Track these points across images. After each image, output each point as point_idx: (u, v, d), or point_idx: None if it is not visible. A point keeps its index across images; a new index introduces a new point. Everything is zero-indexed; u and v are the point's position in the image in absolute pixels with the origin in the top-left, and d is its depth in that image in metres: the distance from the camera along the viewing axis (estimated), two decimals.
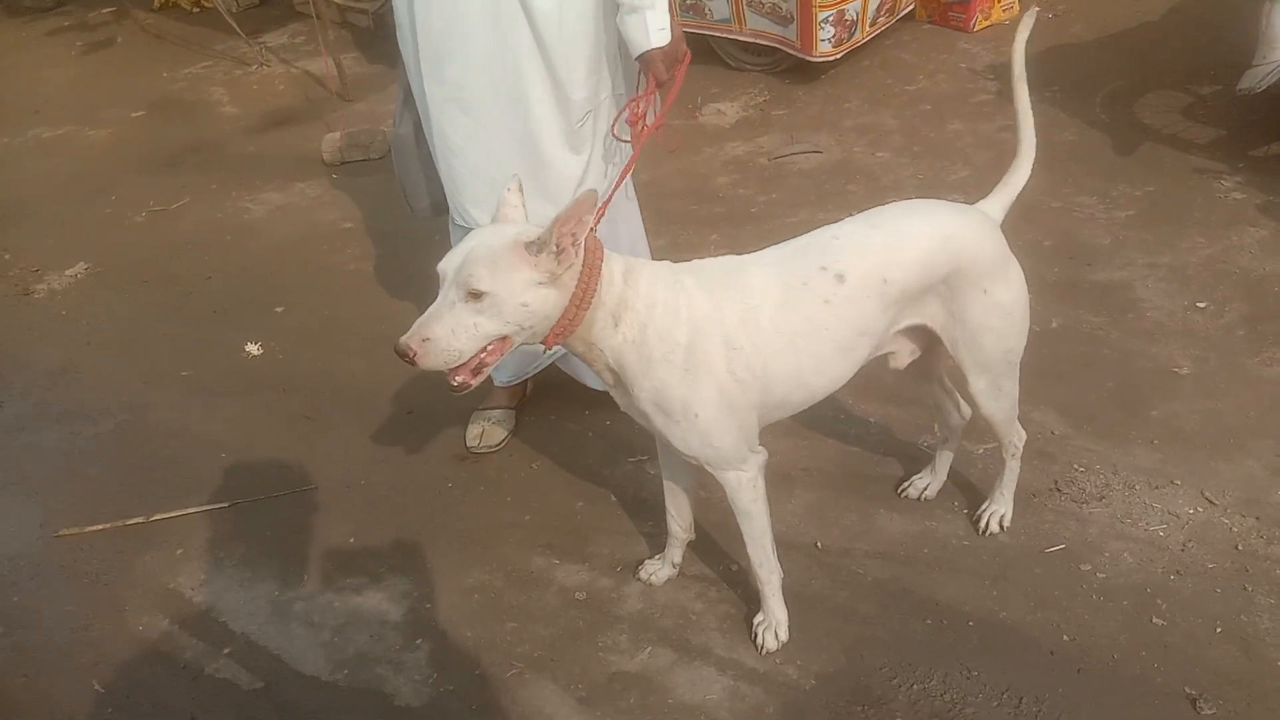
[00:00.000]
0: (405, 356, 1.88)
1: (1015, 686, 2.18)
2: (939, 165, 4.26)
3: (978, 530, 2.56)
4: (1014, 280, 2.21)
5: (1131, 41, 4.85)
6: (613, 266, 1.98)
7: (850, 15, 4.74)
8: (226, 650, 2.50)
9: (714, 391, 2.03)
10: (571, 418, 3.14)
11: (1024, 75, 2.26)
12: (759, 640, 2.33)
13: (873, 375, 2.35)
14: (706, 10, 5.03)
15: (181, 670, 2.46)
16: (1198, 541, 2.45)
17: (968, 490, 2.70)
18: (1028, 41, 2.25)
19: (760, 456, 2.19)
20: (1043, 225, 3.64)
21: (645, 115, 2.47)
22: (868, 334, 2.13)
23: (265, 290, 4.03)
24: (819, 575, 2.51)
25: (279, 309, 3.90)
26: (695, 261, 2.14)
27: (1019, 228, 2.26)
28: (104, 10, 7.60)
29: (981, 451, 2.79)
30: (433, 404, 3.24)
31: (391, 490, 2.96)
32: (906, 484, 2.71)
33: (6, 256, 4.53)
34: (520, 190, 2.03)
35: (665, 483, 2.45)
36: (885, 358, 2.32)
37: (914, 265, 2.11)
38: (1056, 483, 2.67)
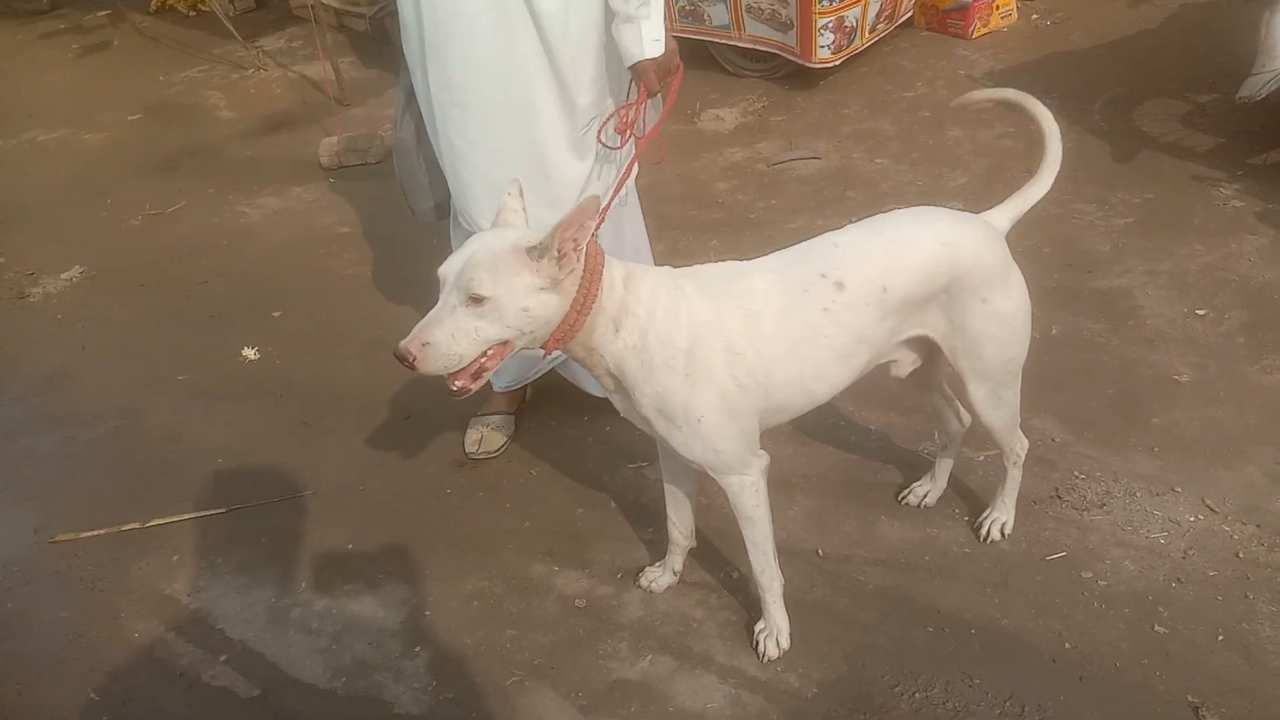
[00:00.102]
0: (405, 361, 1.87)
1: (1018, 694, 2.17)
2: (938, 172, 4.26)
3: (979, 537, 2.55)
4: (1015, 290, 2.21)
5: (1130, 49, 4.86)
6: (614, 272, 1.98)
7: (850, 22, 4.75)
8: (223, 657, 2.49)
9: (716, 396, 2.03)
10: (571, 423, 3.12)
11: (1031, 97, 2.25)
12: (760, 648, 2.32)
13: (873, 382, 2.34)
14: (705, 16, 5.03)
15: (178, 678, 2.45)
16: (1199, 549, 2.44)
17: (968, 497, 2.69)
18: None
19: (762, 461, 2.18)
20: (1042, 232, 3.64)
21: (634, 125, 2.48)
22: (867, 341, 2.13)
23: (262, 295, 4.01)
24: (820, 582, 2.50)
25: (276, 313, 3.88)
26: (696, 267, 2.13)
27: (1019, 234, 2.25)
28: (99, 13, 7.58)
29: (982, 458, 2.78)
30: (431, 409, 3.23)
31: (389, 496, 2.95)
32: (907, 491, 2.71)
33: (1, 260, 4.51)
34: (521, 195, 2.03)
35: (666, 489, 2.44)
36: (886, 365, 2.31)
37: (914, 274, 2.11)
38: (1057, 490, 2.66)
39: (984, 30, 5.25)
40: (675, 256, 3.73)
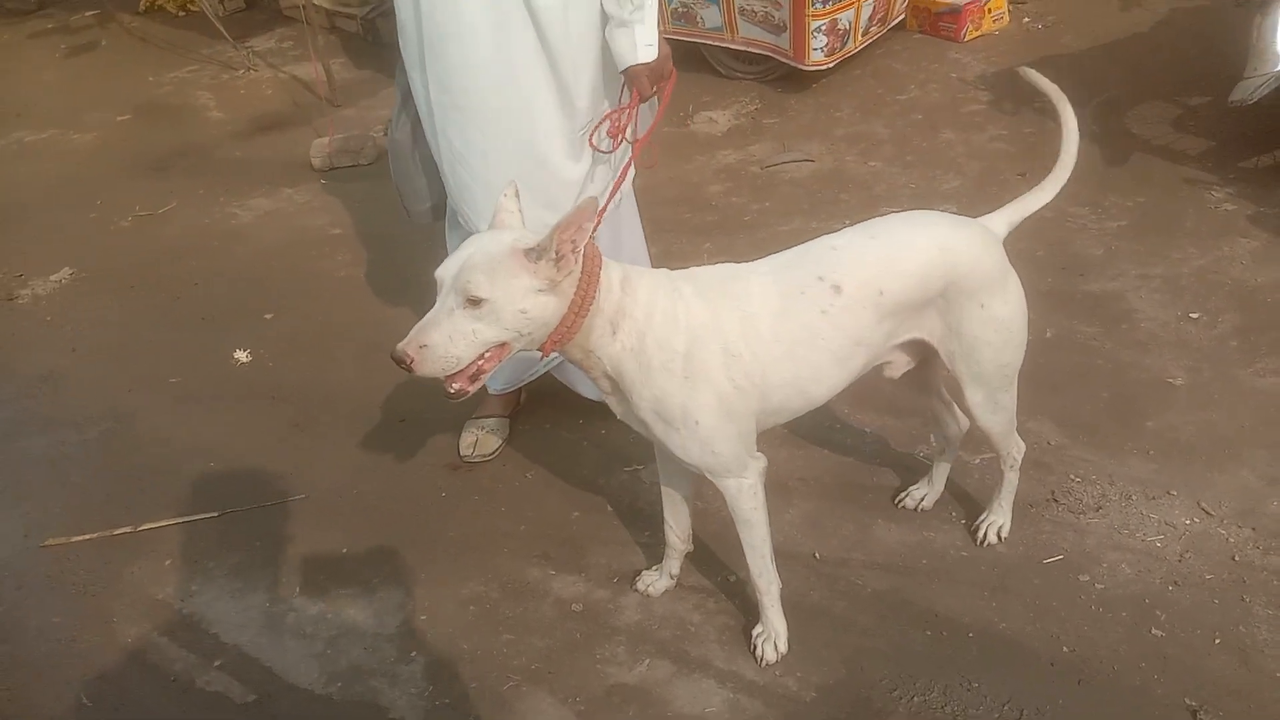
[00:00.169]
0: (402, 363, 1.86)
1: (1016, 698, 2.17)
2: (931, 175, 4.27)
3: (976, 541, 2.55)
4: (1012, 295, 2.21)
5: (1121, 53, 4.88)
6: (611, 274, 1.98)
7: (843, 24, 4.75)
8: (217, 663, 2.46)
9: (713, 399, 2.03)
10: (566, 427, 3.11)
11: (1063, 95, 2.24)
12: (758, 652, 2.32)
13: (869, 385, 2.34)
14: (698, 18, 5.03)
15: (171, 683, 2.42)
16: (1195, 552, 2.45)
17: (965, 500, 2.69)
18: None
19: (760, 463, 2.18)
20: (1035, 235, 3.64)
21: (625, 129, 2.48)
22: (864, 344, 2.13)
23: (254, 297, 3.99)
24: (817, 586, 2.49)
25: (268, 315, 3.86)
26: (693, 269, 2.13)
27: (1012, 237, 2.25)
28: (87, 13, 7.54)
29: (978, 461, 2.78)
30: (425, 412, 3.21)
31: (384, 500, 2.93)
32: (904, 494, 2.71)
33: None
34: (517, 196, 2.02)
35: (663, 492, 2.43)
36: (881, 366, 2.31)
37: (910, 277, 2.11)
38: (1053, 493, 2.67)
39: (976, 33, 5.26)
40: (669, 259, 3.70)
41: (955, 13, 5.18)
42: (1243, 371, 2.98)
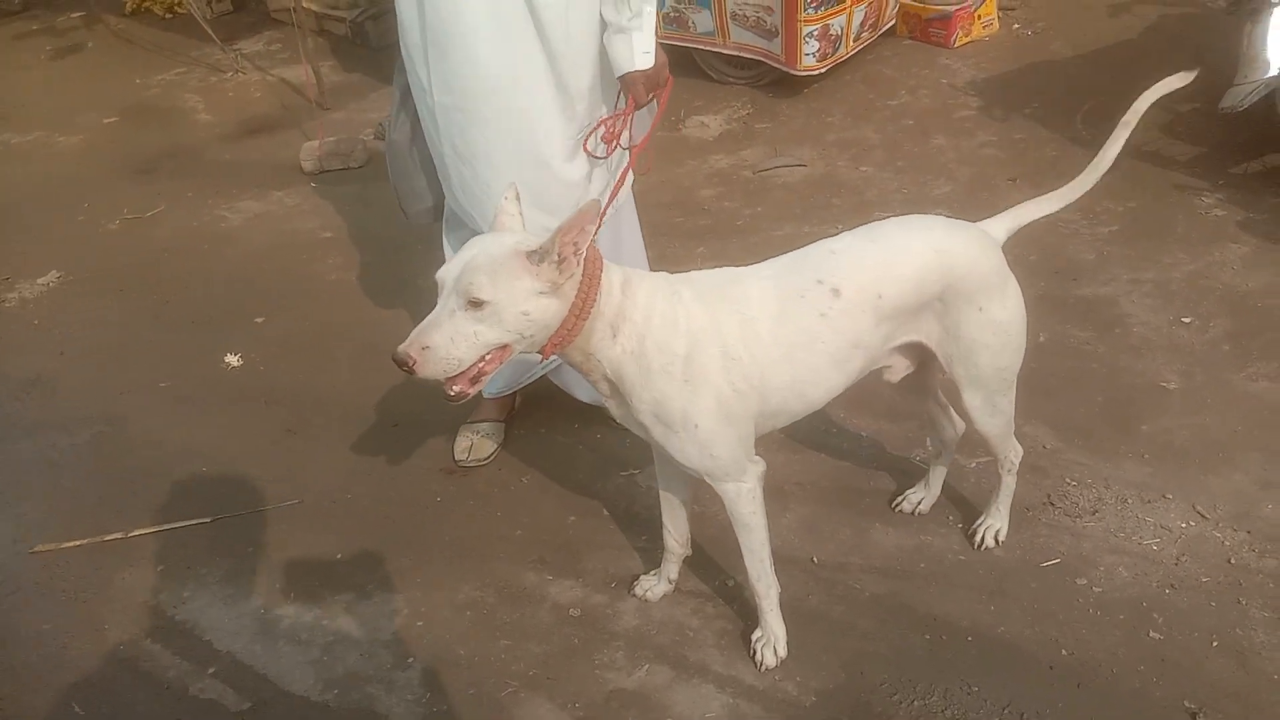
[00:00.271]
0: (404, 365, 1.85)
1: (1016, 702, 2.17)
2: (922, 180, 4.28)
3: (973, 545, 2.56)
4: (1010, 299, 2.22)
5: (1110, 58, 4.90)
6: (611, 277, 1.98)
7: (835, 30, 4.76)
8: (211, 670, 2.44)
9: (713, 402, 2.03)
10: (562, 431, 3.10)
11: (1131, 125, 2.24)
12: (757, 657, 2.31)
13: (865, 389, 2.34)
14: (690, 23, 5.03)
15: (165, 690, 2.40)
16: (1191, 555, 2.46)
17: (961, 504, 2.69)
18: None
19: (759, 467, 2.18)
20: (1028, 240, 3.62)
21: (620, 135, 2.49)
22: (862, 347, 2.14)
23: (245, 300, 3.96)
24: (815, 590, 2.49)
25: (259, 319, 3.84)
26: (692, 273, 2.14)
27: (1006, 242, 2.26)
28: (73, 15, 7.47)
29: (974, 465, 2.79)
30: (419, 416, 3.20)
31: (378, 505, 2.91)
32: (900, 498, 2.71)
33: None
34: (518, 199, 2.02)
35: (662, 496, 2.43)
36: (880, 370, 2.31)
37: (908, 281, 2.12)
38: (1049, 497, 2.67)
39: (966, 39, 5.28)
40: (663, 263, 3.67)
41: (946, 19, 5.20)
42: (1235, 376, 3.00)
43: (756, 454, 2.18)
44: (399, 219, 2.92)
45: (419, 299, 3.74)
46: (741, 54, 5.03)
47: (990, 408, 2.30)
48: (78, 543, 2.84)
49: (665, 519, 2.44)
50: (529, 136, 2.45)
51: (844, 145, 4.62)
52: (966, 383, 2.25)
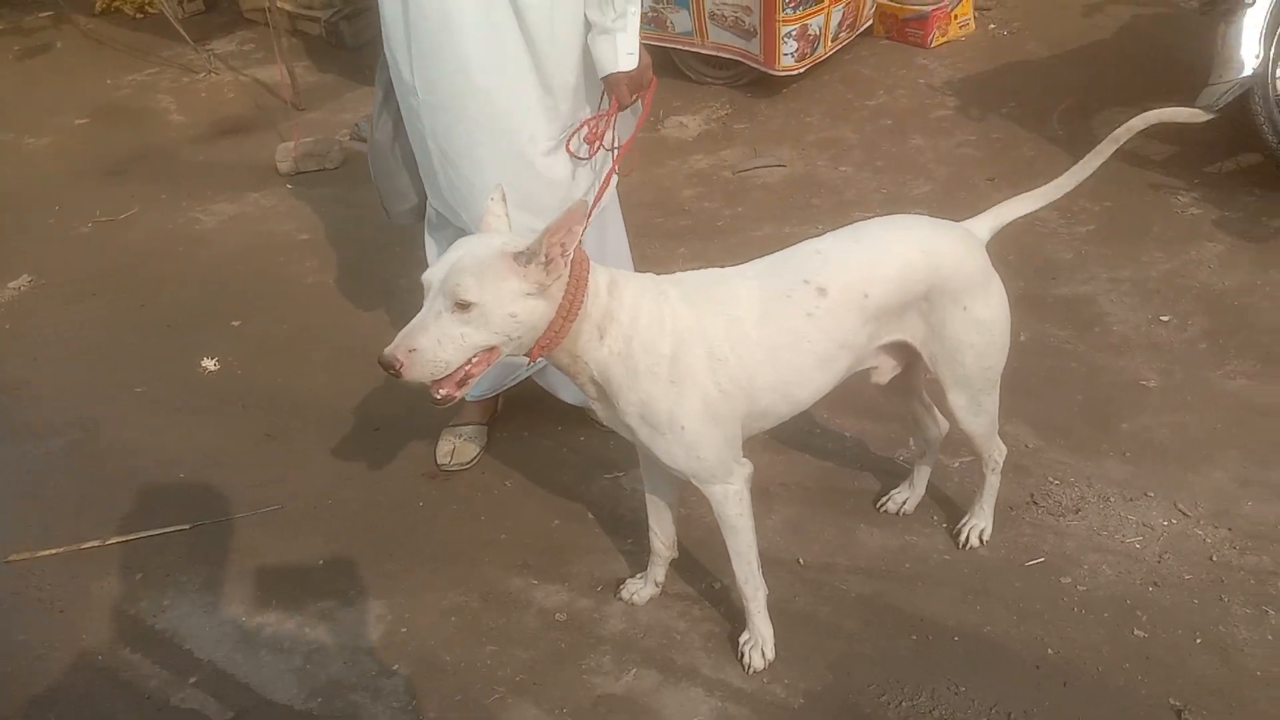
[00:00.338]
0: (390, 368, 1.83)
1: (1003, 701, 2.18)
2: (901, 179, 4.29)
3: (958, 544, 2.56)
4: (995, 298, 2.23)
5: (1085, 59, 4.94)
6: (598, 278, 1.97)
7: (813, 30, 4.77)
8: (192, 679, 2.41)
9: (699, 403, 2.02)
10: (545, 433, 3.09)
11: (1120, 141, 2.26)
12: (745, 659, 2.31)
13: (847, 389, 2.33)
14: (668, 23, 5.02)
15: (145, 700, 2.36)
16: (1173, 553, 2.48)
17: (945, 504, 2.70)
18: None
19: (746, 469, 2.18)
20: (1006, 240, 3.61)
21: (603, 136, 2.48)
22: (848, 347, 2.14)
23: (221, 303, 3.91)
24: (802, 592, 2.49)
25: (236, 322, 3.79)
26: (678, 274, 2.14)
27: (988, 241, 2.27)
28: (40, 14, 7.35)
29: (957, 465, 2.80)
30: (400, 420, 3.17)
31: (360, 510, 2.88)
32: (885, 498, 2.71)
33: None
34: (504, 200, 2.01)
35: (648, 499, 2.42)
36: (867, 372, 2.32)
37: (894, 280, 2.12)
38: (1032, 496, 2.69)
39: (942, 39, 5.30)
40: (644, 264, 3.67)
41: (922, 19, 5.22)
42: (1213, 374, 3.03)
43: (743, 456, 2.17)
44: (380, 219, 2.90)
45: (398, 301, 3.71)
46: (720, 54, 5.03)
47: (975, 407, 2.31)
48: (53, 551, 2.79)
49: (651, 522, 2.43)
50: (513, 136, 2.43)
51: (823, 145, 4.63)
52: (951, 382, 2.26)
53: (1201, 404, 2.92)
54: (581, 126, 2.48)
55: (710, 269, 2.16)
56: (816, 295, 2.07)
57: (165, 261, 4.26)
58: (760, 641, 2.31)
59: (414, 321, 1.85)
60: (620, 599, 2.51)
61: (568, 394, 2.86)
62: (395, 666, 2.40)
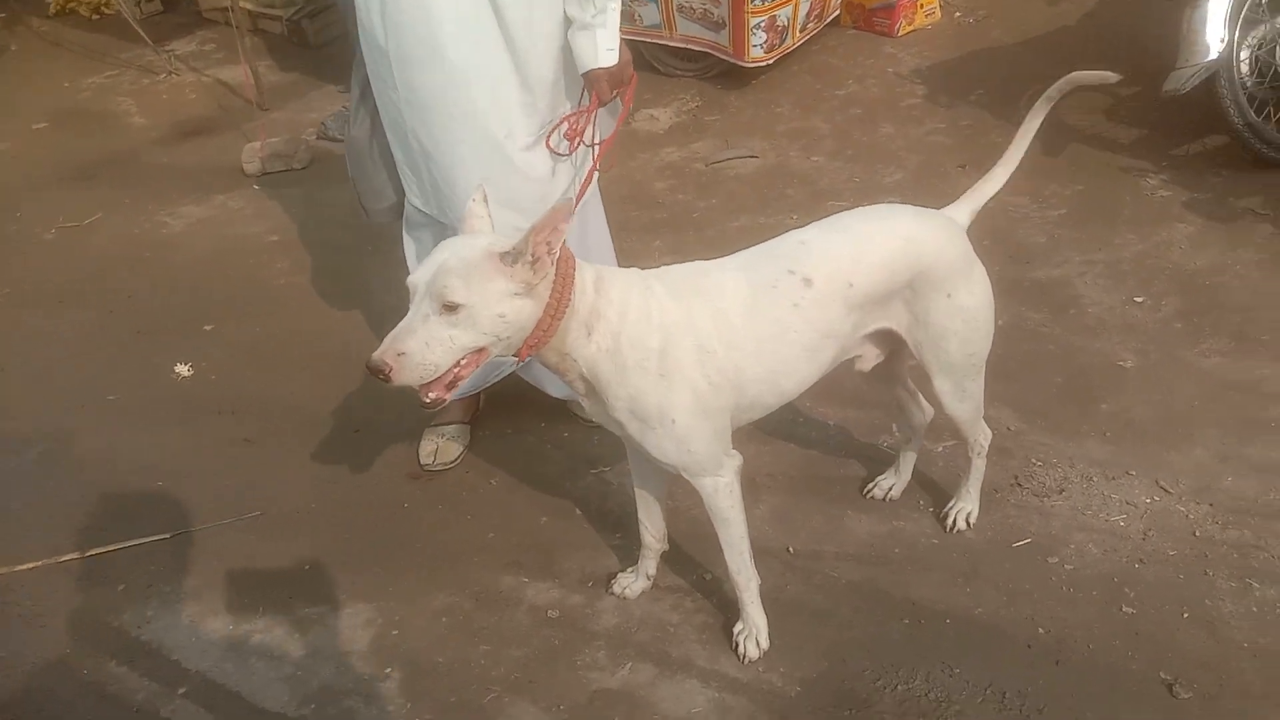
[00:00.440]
0: (380, 373, 1.82)
1: (997, 682, 2.19)
2: (874, 168, 4.31)
3: (945, 528, 2.58)
4: (978, 284, 2.25)
5: (1050, 45, 4.97)
6: (584, 275, 1.97)
7: (781, 21, 4.77)
8: (182, 690, 2.37)
9: (689, 396, 2.02)
10: (528, 430, 3.07)
11: (1053, 100, 2.31)
12: (740, 649, 2.31)
13: (830, 377, 2.33)
14: (636, 16, 5.01)
15: (134, 714, 2.32)
16: (1157, 530, 2.51)
17: (931, 488, 2.72)
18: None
19: (736, 461, 2.18)
20: (981, 225, 3.60)
21: (584, 132, 2.47)
22: (834, 336, 2.15)
23: (192, 308, 3.85)
24: (793, 580, 2.50)
25: (208, 327, 3.74)
26: (664, 267, 2.14)
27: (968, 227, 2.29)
28: None
29: (941, 449, 2.82)
30: (379, 421, 3.14)
31: (344, 513, 2.85)
32: (872, 485, 2.72)
33: None
34: (485, 200, 2.00)
35: (637, 493, 2.41)
36: (851, 360, 2.33)
37: (878, 269, 2.14)
38: (1016, 478, 2.71)
39: (909, 28, 5.33)
40: (621, 258, 3.65)
41: (889, 8, 5.24)
42: (1188, 352, 3.07)
43: (732, 448, 2.17)
44: (359, 217, 2.87)
45: (372, 301, 3.68)
46: (688, 46, 5.02)
47: (960, 392, 2.32)
48: (31, 565, 2.74)
49: (641, 515, 2.43)
50: (492, 132, 2.42)
51: (794, 136, 4.64)
52: (936, 368, 2.28)
53: (1178, 383, 2.96)
54: (561, 122, 2.47)
55: (694, 262, 2.16)
56: (802, 285, 2.08)
57: (133, 267, 4.19)
58: (754, 631, 2.31)
59: (401, 325, 1.83)
60: (612, 593, 2.50)
61: (554, 388, 2.85)
62: (388, 670, 2.38)
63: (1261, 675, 2.14)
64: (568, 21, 2.36)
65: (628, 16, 5.01)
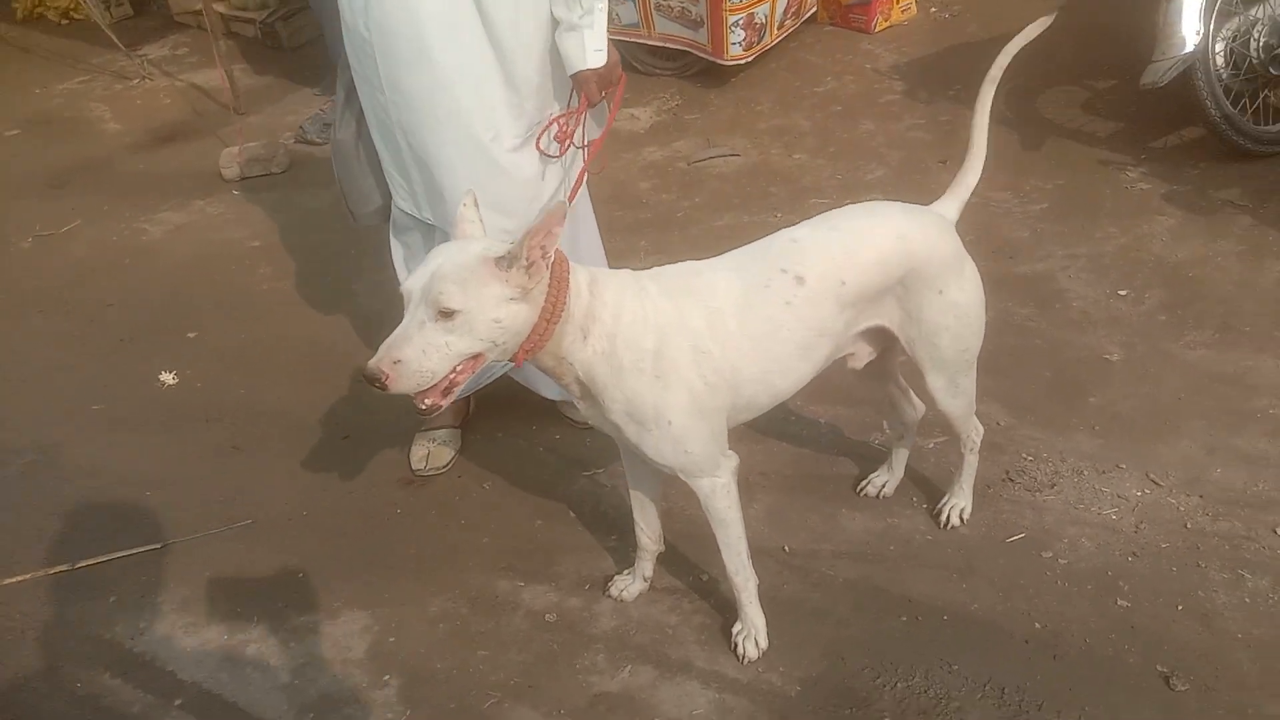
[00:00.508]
0: (376, 381, 1.81)
1: (996, 678, 2.21)
2: (855, 165, 4.32)
3: (939, 524, 2.59)
4: (969, 280, 2.26)
5: None
6: (579, 278, 1.96)
7: (759, 18, 4.78)
8: (178, 702, 2.35)
9: (685, 397, 2.02)
10: (519, 433, 3.06)
11: (996, 80, 2.29)
12: (739, 649, 2.31)
13: (820, 376, 2.34)
14: (614, 15, 4.99)
15: None
16: (1149, 522, 2.53)
17: (923, 484, 2.73)
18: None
19: (732, 461, 2.19)
20: (964, 220, 3.61)
21: (573, 134, 2.47)
22: (827, 334, 2.15)
23: (174, 315, 3.82)
24: (790, 579, 2.50)
25: (191, 334, 3.70)
26: (657, 268, 2.14)
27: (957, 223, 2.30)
28: None
29: (932, 445, 2.83)
30: (369, 426, 3.13)
31: (337, 520, 2.83)
32: (865, 482, 2.73)
33: None
34: (475, 205, 1.99)
35: (632, 494, 2.41)
36: (843, 358, 2.34)
37: (870, 266, 2.14)
38: (1008, 473, 2.73)
39: (886, 24, 5.34)
40: (607, 258, 3.68)
41: (865, 4, 5.25)
42: (1173, 345, 3.10)
43: (729, 448, 2.18)
44: (345, 221, 2.85)
45: (356, 305, 3.66)
46: (667, 45, 5.02)
47: (953, 388, 2.34)
48: (21, 578, 2.70)
49: (637, 517, 2.43)
50: (478, 134, 2.40)
51: (775, 133, 4.65)
52: (929, 365, 2.29)
53: (1164, 375, 2.99)
54: (551, 124, 2.46)
55: (687, 261, 2.16)
56: (794, 284, 2.08)
57: (113, 274, 4.14)
58: (753, 631, 2.32)
59: (397, 332, 1.82)
60: (609, 596, 2.50)
61: (548, 389, 2.84)
62: (386, 677, 2.36)
63: (1257, 666, 2.16)
64: (554, 23, 2.36)
65: None
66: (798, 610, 2.42)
